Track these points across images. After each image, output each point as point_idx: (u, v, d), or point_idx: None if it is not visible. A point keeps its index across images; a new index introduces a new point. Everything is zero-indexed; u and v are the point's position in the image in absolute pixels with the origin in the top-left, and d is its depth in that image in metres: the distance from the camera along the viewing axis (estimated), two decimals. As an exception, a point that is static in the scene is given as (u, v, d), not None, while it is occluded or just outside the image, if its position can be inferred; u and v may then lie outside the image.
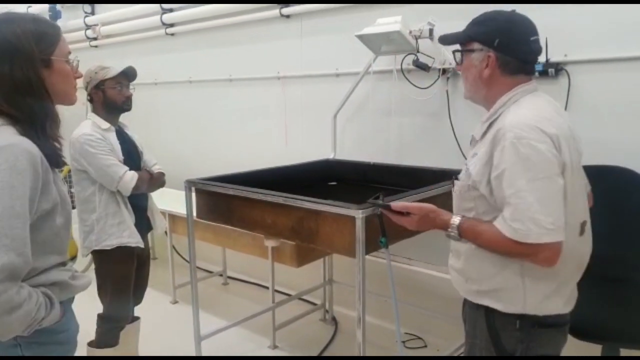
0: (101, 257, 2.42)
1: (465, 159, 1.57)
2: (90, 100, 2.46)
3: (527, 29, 1.45)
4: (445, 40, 1.58)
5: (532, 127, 1.30)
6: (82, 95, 2.44)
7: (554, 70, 2.27)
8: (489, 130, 1.42)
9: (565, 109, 2.27)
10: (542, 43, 2.28)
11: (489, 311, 1.45)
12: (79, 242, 2.47)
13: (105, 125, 2.42)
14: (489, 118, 1.45)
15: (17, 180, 1.13)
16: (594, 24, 2.20)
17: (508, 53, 1.42)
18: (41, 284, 1.24)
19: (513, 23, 1.45)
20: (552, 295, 1.40)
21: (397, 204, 1.53)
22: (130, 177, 2.37)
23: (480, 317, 1.48)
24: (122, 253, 2.41)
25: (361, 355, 1.93)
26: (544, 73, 2.28)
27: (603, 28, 2.18)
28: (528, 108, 1.38)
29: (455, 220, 1.43)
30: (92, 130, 2.36)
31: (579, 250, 1.46)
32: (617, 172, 2.09)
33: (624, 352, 1.85)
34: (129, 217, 2.44)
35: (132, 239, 2.43)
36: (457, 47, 1.54)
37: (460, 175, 1.51)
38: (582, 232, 1.45)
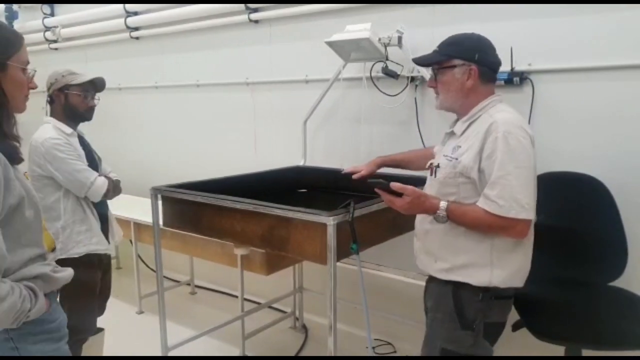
0: (66, 266, 2.32)
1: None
2: (51, 103, 2.36)
3: (491, 45, 1.72)
4: (423, 61, 1.81)
5: (518, 126, 1.58)
6: (42, 100, 2.37)
7: (519, 78, 2.33)
8: (469, 128, 1.69)
9: (530, 116, 2.34)
10: (507, 52, 2.38)
11: (457, 286, 1.67)
12: None
13: (69, 130, 2.34)
14: (469, 118, 1.70)
15: None
16: (556, 36, 2.27)
17: (486, 64, 1.69)
18: (24, 278, 1.30)
19: (483, 41, 1.72)
20: (516, 271, 1.67)
21: (396, 184, 1.62)
22: (102, 183, 2.32)
23: (447, 292, 1.69)
24: (89, 261, 2.34)
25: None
26: (509, 81, 2.34)
27: (565, 39, 2.25)
28: (509, 112, 1.65)
29: (443, 204, 1.61)
30: (58, 134, 2.28)
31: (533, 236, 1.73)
32: (581, 179, 2.16)
33: (585, 353, 1.90)
34: (96, 224, 2.37)
35: (101, 245, 2.38)
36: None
37: (442, 164, 1.71)
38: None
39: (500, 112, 1.64)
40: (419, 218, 1.79)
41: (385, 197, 1.68)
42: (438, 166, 1.73)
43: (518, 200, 1.52)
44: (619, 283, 2.08)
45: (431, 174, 1.76)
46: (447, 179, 1.68)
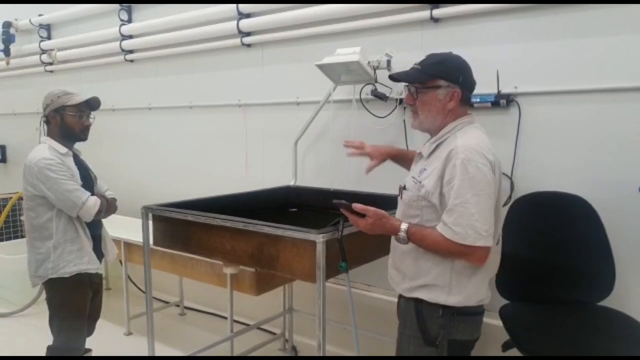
0: (57, 286, 2.33)
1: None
2: (47, 123, 2.40)
3: (470, 66, 1.73)
4: (406, 79, 1.76)
5: (479, 153, 1.58)
6: (36, 121, 2.40)
7: (505, 101, 2.37)
8: (436, 150, 1.69)
9: (517, 137, 2.38)
10: (494, 75, 2.41)
11: (417, 302, 1.71)
12: (29, 271, 2.37)
13: (64, 149, 2.36)
14: (437, 140, 1.71)
15: None
16: (541, 59, 2.32)
17: (467, 87, 1.70)
18: None
19: (465, 63, 1.72)
20: (472, 292, 1.66)
21: (358, 205, 1.67)
22: (94, 203, 2.33)
23: (410, 309, 1.73)
24: (80, 280, 2.34)
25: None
26: (496, 104, 2.38)
27: (550, 63, 2.31)
28: (473, 137, 1.65)
29: (404, 226, 1.64)
30: (52, 155, 2.30)
31: (494, 257, 1.74)
32: (568, 199, 2.18)
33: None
34: (87, 243, 2.38)
35: (92, 265, 2.38)
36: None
37: (409, 186, 1.72)
38: (497, 242, 1.75)
39: (464, 136, 1.64)
40: None
41: (349, 217, 1.72)
42: (405, 187, 1.74)
43: (475, 228, 1.52)
44: (608, 302, 2.09)
45: (399, 195, 1.78)
46: (411, 202, 1.70)
